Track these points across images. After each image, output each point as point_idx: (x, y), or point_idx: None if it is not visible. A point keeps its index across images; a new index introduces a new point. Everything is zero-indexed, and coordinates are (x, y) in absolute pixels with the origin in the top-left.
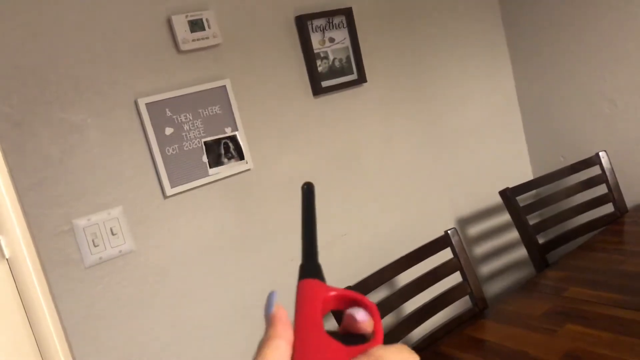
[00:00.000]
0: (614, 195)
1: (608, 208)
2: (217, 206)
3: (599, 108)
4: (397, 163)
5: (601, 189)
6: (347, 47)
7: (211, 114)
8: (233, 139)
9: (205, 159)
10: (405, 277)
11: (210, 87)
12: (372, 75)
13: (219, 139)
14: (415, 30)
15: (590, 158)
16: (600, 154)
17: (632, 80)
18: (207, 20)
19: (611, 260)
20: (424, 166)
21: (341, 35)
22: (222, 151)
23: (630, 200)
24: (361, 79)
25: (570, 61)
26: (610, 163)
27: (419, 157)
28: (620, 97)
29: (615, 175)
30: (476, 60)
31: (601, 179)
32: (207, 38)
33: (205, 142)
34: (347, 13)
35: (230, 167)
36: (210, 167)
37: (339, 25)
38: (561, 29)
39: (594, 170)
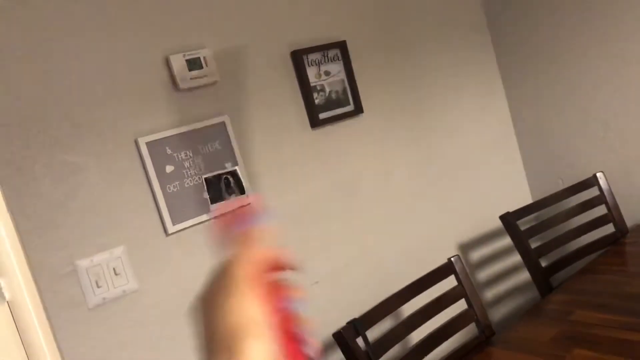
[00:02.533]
0: (613, 215)
1: (609, 229)
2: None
3: (594, 130)
4: (396, 192)
5: (600, 210)
6: (343, 80)
7: (211, 150)
8: (234, 174)
9: (206, 195)
10: (410, 307)
11: (210, 124)
12: (368, 105)
13: (220, 175)
14: (410, 61)
15: (588, 179)
16: (598, 174)
17: (625, 103)
18: (204, 58)
19: (615, 282)
20: (423, 194)
21: (336, 68)
22: (223, 186)
23: (630, 221)
24: (358, 109)
25: (564, 85)
26: (608, 184)
27: (418, 186)
28: (613, 119)
29: (613, 196)
30: (470, 88)
31: (600, 199)
32: (205, 76)
33: (205, 179)
34: (342, 46)
35: (233, 203)
36: (212, 202)
37: (334, 58)
38: (553, 54)
39: (593, 192)
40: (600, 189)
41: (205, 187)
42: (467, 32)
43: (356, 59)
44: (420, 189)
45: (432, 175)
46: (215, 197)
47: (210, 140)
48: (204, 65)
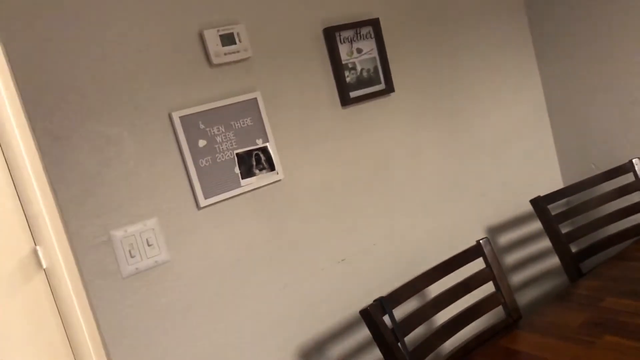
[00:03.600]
0: None
1: None
2: (250, 216)
3: (630, 115)
4: (426, 172)
5: (636, 197)
6: (375, 58)
7: (243, 126)
8: (264, 150)
9: (237, 170)
10: (437, 288)
11: (242, 100)
12: (399, 85)
13: (251, 151)
14: (442, 39)
15: (623, 165)
16: (634, 160)
17: None
18: (238, 34)
19: None
20: (453, 175)
21: (369, 46)
22: (254, 162)
23: None
24: (389, 88)
25: (600, 68)
26: None
27: (448, 166)
28: None
29: None
30: (505, 69)
31: (635, 186)
32: (238, 52)
33: (237, 154)
34: (375, 24)
35: (261, 178)
36: (243, 178)
37: (366, 35)
38: (589, 32)
39: (628, 178)
40: (636, 175)
41: (237, 163)
42: (503, 12)
43: (389, 37)
44: (450, 170)
45: (462, 156)
46: (246, 173)
47: (242, 116)
48: (237, 41)
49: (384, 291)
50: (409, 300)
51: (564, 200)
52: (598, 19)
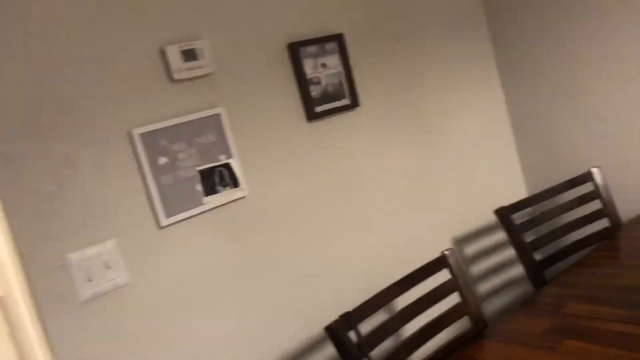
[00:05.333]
0: (608, 210)
1: (603, 223)
2: (214, 234)
3: (590, 124)
4: (392, 186)
5: (595, 205)
6: (340, 72)
7: (205, 142)
8: (228, 166)
9: (199, 187)
10: (404, 300)
11: (205, 116)
12: (365, 99)
13: (214, 167)
14: (406, 55)
15: (583, 174)
16: (594, 170)
17: (621, 97)
18: (200, 49)
19: (608, 275)
20: (419, 188)
21: (333, 61)
22: (217, 179)
23: (624, 215)
24: (354, 103)
25: (561, 80)
26: (604, 178)
27: (413, 179)
28: (610, 113)
29: (609, 191)
30: (468, 83)
31: (595, 194)
32: (201, 67)
33: (199, 171)
34: (339, 39)
35: (225, 195)
36: (205, 195)
37: (331, 51)
38: (551, 45)
39: (588, 187)
40: (595, 184)
41: (199, 180)
42: (466, 27)
43: (354, 52)
44: (416, 183)
45: (428, 169)
46: (209, 190)
47: (205, 132)
48: (199, 56)
49: (353, 305)
50: (376, 313)
51: (529, 209)
52: (560, 32)
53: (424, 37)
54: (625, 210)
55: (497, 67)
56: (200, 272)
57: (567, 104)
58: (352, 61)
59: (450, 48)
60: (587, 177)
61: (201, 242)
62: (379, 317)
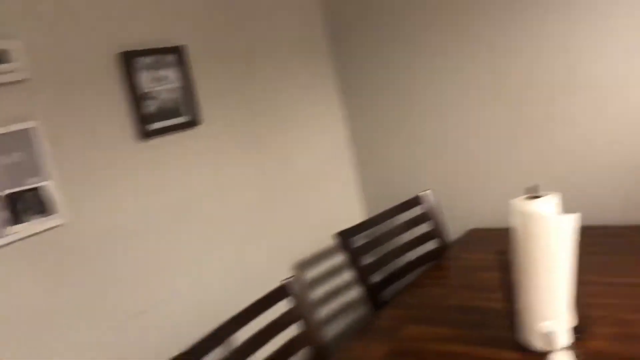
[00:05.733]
0: (436, 232)
1: (434, 244)
2: (23, 269)
3: (424, 151)
4: (233, 211)
5: (426, 227)
6: (180, 87)
7: (14, 161)
8: (42, 190)
9: (5, 215)
10: (244, 334)
11: (13, 130)
12: (208, 117)
13: (23, 192)
14: (252, 74)
15: (415, 197)
16: (424, 193)
17: (454, 121)
18: (13, 50)
19: (438, 296)
20: (262, 213)
21: (173, 75)
22: (27, 205)
23: (456, 232)
24: (195, 121)
25: (400, 104)
26: (435, 201)
27: (257, 204)
28: (441, 140)
29: (439, 213)
30: (310, 107)
31: (425, 217)
32: (11, 72)
33: (4, 196)
34: (180, 51)
35: (37, 223)
36: (12, 224)
37: (171, 63)
38: (390, 71)
39: (419, 209)
40: (424, 207)
41: (3, 207)
42: (309, 50)
43: (197, 67)
44: (259, 208)
45: (270, 194)
46: (16, 218)
47: (14, 150)
48: (11, 58)
49: (190, 342)
50: (213, 351)
51: (368, 232)
52: (397, 58)
53: (269, 59)
54: (455, 231)
55: (340, 93)
56: (5, 312)
57: (403, 131)
58: (196, 76)
59: (295, 72)
60: (417, 200)
61: (7, 278)
62: (216, 354)
